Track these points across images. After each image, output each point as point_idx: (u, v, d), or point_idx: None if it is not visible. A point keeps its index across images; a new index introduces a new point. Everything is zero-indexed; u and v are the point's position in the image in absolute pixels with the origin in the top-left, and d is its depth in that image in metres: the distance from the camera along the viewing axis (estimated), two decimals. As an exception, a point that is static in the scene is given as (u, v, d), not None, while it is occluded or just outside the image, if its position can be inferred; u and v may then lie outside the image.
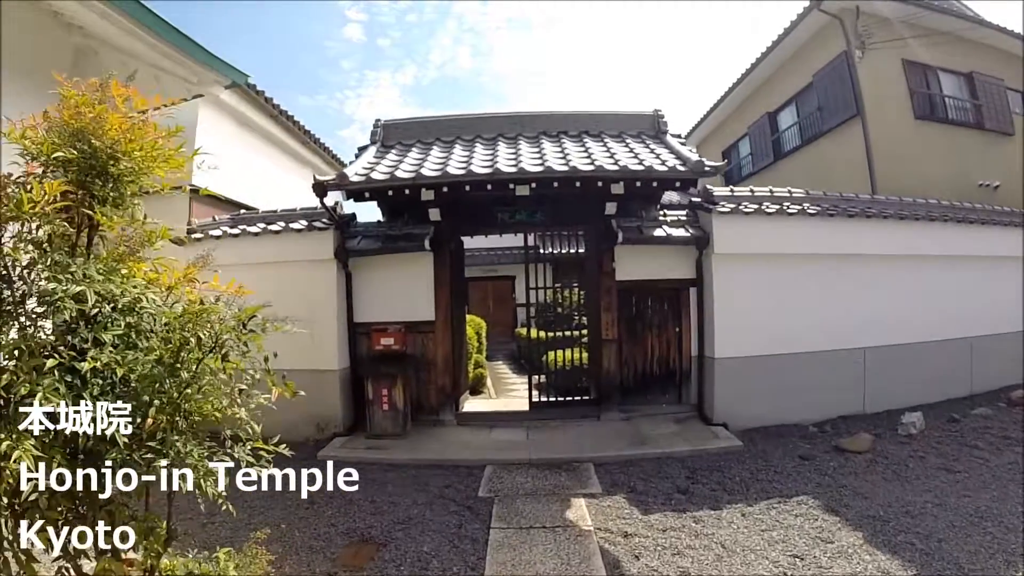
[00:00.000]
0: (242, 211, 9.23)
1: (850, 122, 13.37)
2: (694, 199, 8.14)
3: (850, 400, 8.13)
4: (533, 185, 6.24)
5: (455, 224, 7.36)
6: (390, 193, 6.50)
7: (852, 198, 8.73)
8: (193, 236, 8.48)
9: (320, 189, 6.68)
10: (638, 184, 6.46)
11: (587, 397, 7.78)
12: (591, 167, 6.23)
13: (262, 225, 7.98)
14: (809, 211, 7.97)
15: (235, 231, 8.09)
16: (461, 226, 7.45)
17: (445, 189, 6.26)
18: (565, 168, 6.15)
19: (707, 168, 6.73)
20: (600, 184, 6.36)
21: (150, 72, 8.96)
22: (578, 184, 6.29)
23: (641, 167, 6.40)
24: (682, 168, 6.58)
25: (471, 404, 8.39)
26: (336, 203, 8.02)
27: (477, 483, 6.01)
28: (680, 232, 7.52)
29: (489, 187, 6.22)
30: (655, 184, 6.55)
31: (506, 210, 7.17)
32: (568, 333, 8.57)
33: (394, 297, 7.67)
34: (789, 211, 7.87)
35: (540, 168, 6.21)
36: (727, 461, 6.66)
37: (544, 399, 7.61)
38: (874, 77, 13.10)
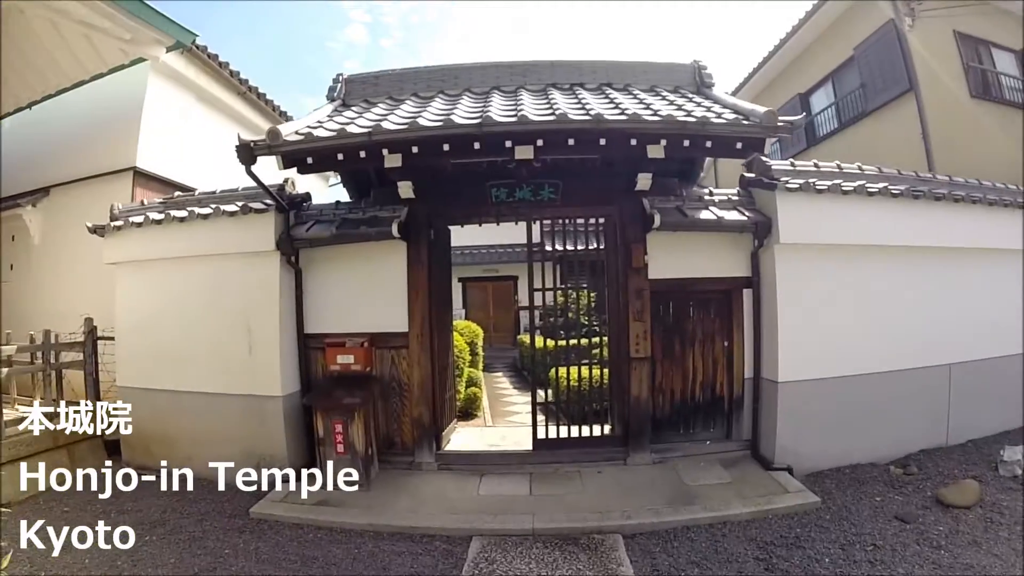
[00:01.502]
0: (177, 193, 7.16)
1: (901, 99, 11.39)
2: (746, 175, 6.04)
3: (931, 430, 6.20)
4: (540, 143, 4.16)
5: (435, 205, 5.30)
6: (340, 157, 4.43)
7: (929, 179, 6.62)
8: (113, 224, 6.42)
9: (246, 153, 4.65)
10: (686, 144, 4.39)
11: (609, 432, 5.66)
12: (621, 117, 4.11)
13: (192, 209, 5.90)
14: (893, 191, 5.84)
15: (158, 216, 6.01)
16: (443, 208, 5.39)
17: (415, 150, 4.20)
18: (585, 116, 4.04)
19: (780, 124, 4.61)
20: (634, 142, 4.30)
21: (78, 31, 7.02)
22: (603, 142, 4.23)
23: (692, 119, 4.28)
24: (747, 123, 4.45)
25: (459, 436, 6.29)
26: (288, 180, 5.97)
27: (458, 569, 3.98)
28: (734, 216, 5.42)
29: (477, 146, 4.16)
30: (709, 145, 4.49)
31: (503, 185, 5.10)
32: (582, 342, 6.49)
33: (356, 301, 5.64)
34: (870, 190, 5.73)
35: (549, 116, 4.10)
36: (805, 528, 4.69)
37: (552, 435, 5.53)
38: (926, 49, 11.05)
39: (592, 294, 8.13)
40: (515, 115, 4.23)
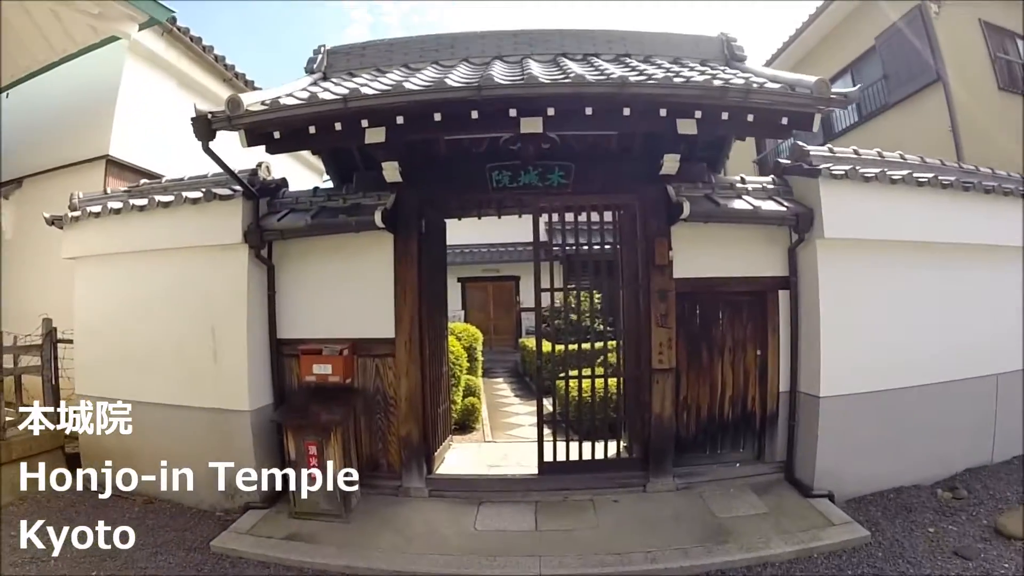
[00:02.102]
0: (143, 181, 6.37)
1: (927, 90, 10.63)
2: (781, 161, 5.25)
3: (976, 446, 5.51)
4: (551, 113, 3.33)
5: (427, 191, 4.52)
6: (312, 131, 3.62)
7: (972, 170, 5.81)
8: (71, 215, 5.63)
9: (202, 127, 3.87)
10: (724, 117, 3.59)
11: (626, 453, 4.86)
12: (650, 81, 3.30)
13: (153, 197, 5.11)
14: (943, 181, 5.05)
15: (116, 206, 5.21)
16: (436, 195, 4.59)
17: (400, 120, 3.41)
18: (605, 79, 3.22)
19: (833, 96, 3.82)
20: (663, 113, 3.50)
21: (44, 7, 6.28)
22: (627, 112, 3.44)
23: (734, 85, 3.48)
24: (796, 93, 3.65)
25: (455, 455, 5.48)
26: (261, 165, 5.19)
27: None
28: (771, 206, 4.63)
29: (475, 115, 3.34)
30: (751, 119, 3.69)
31: (505, 168, 4.30)
32: (595, 346, 5.68)
33: (336, 303, 4.85)
34: (920, 179, 4.94)
35: (562, 79, 3.29)
36: (857, 569, 3.97)
37: (561, 456, 4.70)
38: (953, 39, 10.30)
39: (599, 296, 7.37)
40: (521, 78, 3.41)
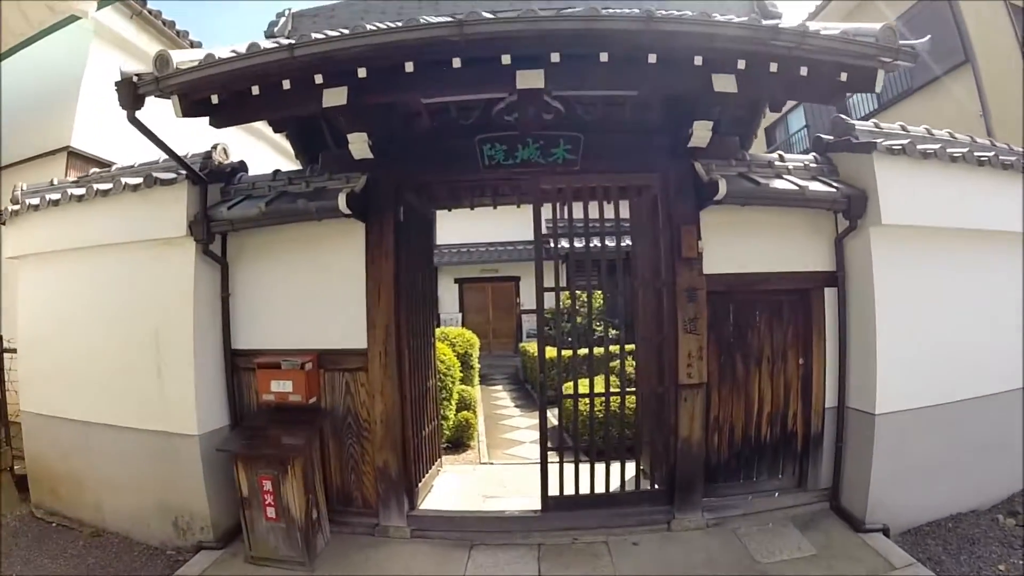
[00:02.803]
0: (93, 170, 5.55)
1: (953, 73, 9.77)
2: (824, 136, 4.43)
3: None
4: (554, 59, 2.50)
5: (404, 171, 3.70)
6: (256, 92, 2.78)
7: (1019, 151, 4.97)
8: (11, 209, 4.83)
9: (128, 93, 3.03)
10: (773, 68, 2.77)
11: (646, 483, 4.01)
12: (684, 18, 2.46)
13: (93, 184, 4.33)
14: (1004, 160, 4.27)
15: (55, 196, 4.41)
16: (416, 175, 3.75)
17: (363, 73, 2.59)
18: (626, 13, 2.38)
19: (902, 46, 3.00)
20: (699, 62, 2.67)
21: None
22: (652, 59, 2.61)
23: (788, 26, 2.65)
24: (855, 41, 2.82)
25: (444, 482, 4.64)
26: (217, 147, 4.38)
27: None
28: (818, 187, 3.80)
29: (458, 63, 2.52)
30: (804, 71, 2.87)
31: (499, 141, 3.45)
32: (608, 350, 4.83)
33: (299, 307, 4.04)
34: (980, 158, 4.14)
35: (570, 11, 2.45)
36: None
37: (569, 489, 3.87)
38: (979, 19, 9.50)
39: (607, 296, 6.53)
40: (515, 13, 2.57)
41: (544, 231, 3.92)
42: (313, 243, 3.96)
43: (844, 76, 3.23)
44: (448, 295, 13.61)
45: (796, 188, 3.75)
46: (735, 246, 3.93)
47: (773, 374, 4.14)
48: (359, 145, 3.31)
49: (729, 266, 3.87)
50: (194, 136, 4.52)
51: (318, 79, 2.84)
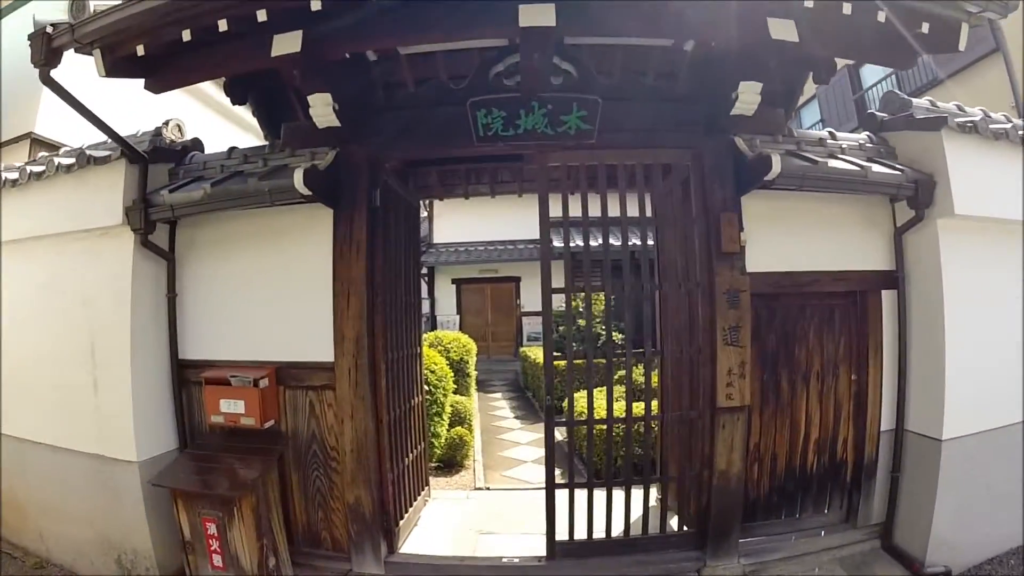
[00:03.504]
0: (42, 154, 4.85)
1: (983, 63, 9.13)
2: (878, 113, 3.76)
3: None
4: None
5: (383, 145, 2.98)
6: (187, 38, 2.07)
7: None
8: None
9: (42, 47, 2.36)
10: (846, 9, 2.05)
11: (674, 521, 3.31)
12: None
13: (28, 168, 3.67)
14: None
15: (-16, 180, 3.73)
16: (396, 151, 3.06)
17: (318, 6, 1.81)
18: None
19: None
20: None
21: None
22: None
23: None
24: None
25: (431, 514, 3.95)
26: (169, 123, 3.71)
27: None
28: (881, 169, 3.10)
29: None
30: (880, 19, 2.12)
31: (497, 105, 2.75)
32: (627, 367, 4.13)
33: (255, 311, 3.30)
34: None
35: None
36: None
37: (580, 532, 3.13)
38: (1009, 6, 8.61)
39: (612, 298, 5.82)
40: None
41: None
42: (274, 235, 3.27)
43: (926, 27, 2.55)
44: (445, 297, 12.91)
45: (858, 169, 3.05)
46: (780, 240, 3.23)
47: (822, 393, 3.44)
48: (322, 110, 2.62)
49: (774, 264, 3.17)
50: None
51: (261, 16, 2.15)
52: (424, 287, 12.95)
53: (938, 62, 9.46)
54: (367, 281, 2.89)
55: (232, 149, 3.43)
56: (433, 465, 4.94)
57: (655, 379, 3.31)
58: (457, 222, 12.72)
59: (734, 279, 2.90)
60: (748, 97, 2.70)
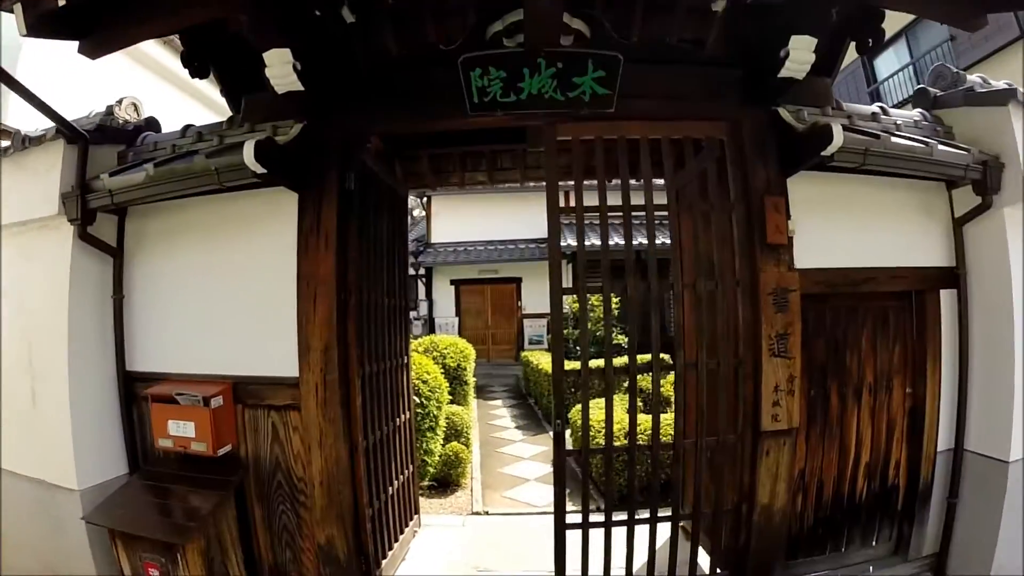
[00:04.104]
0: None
1: (1006, 51, 8.66)
2: (930, 89, 3.26)
3: None
4: None
5: (357, 118, 2.44)
6: None
7: None
8: None
9: None
10: None
11: (704, 562, 2.76)
12: None
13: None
14: None
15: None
16: (375, 123, 2.51)
17: None
18: None
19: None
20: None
21: None
22: None
23: None
24: None
25: (421, 546, 3.45)
26: (123, 102, 3.27)
27: None
28: (946, 149, 2.57)
29: None
30: None
31: (493, 64, 2.20)
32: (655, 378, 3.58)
33: (211, 316, 2.75)
34: None
35: None
36: None
37: (596, 570, 2.55)
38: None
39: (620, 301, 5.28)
40: None
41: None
42: (233, 226, 2.75)
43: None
44: (444, 298, 12.39)
45: (923, 147, 2.55)
46: (831, 231, 2.71)
47: (875, 409, 2.93)
48: (280, 70, 2.12)
49: (823, 259, 2.65)
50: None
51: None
52: (422, 289, 12.43)
53: (957, 52, 8.96)
54: (338, 279, 2.38)
55: (187, 127, 2.92)
56: (426, 484, 4.42)
57: (680, 395, 2.79)
58: (456, 221, 12.21)
59: (781, 276, 2.39)
60: (801, 55, 2.19)
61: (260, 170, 2.11)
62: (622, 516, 2.61)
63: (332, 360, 2.34)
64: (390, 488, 2.92)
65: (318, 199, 2.40)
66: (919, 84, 8.90)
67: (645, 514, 2.52)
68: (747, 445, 2.47)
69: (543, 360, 8.00)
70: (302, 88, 2.20)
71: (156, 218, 2.96)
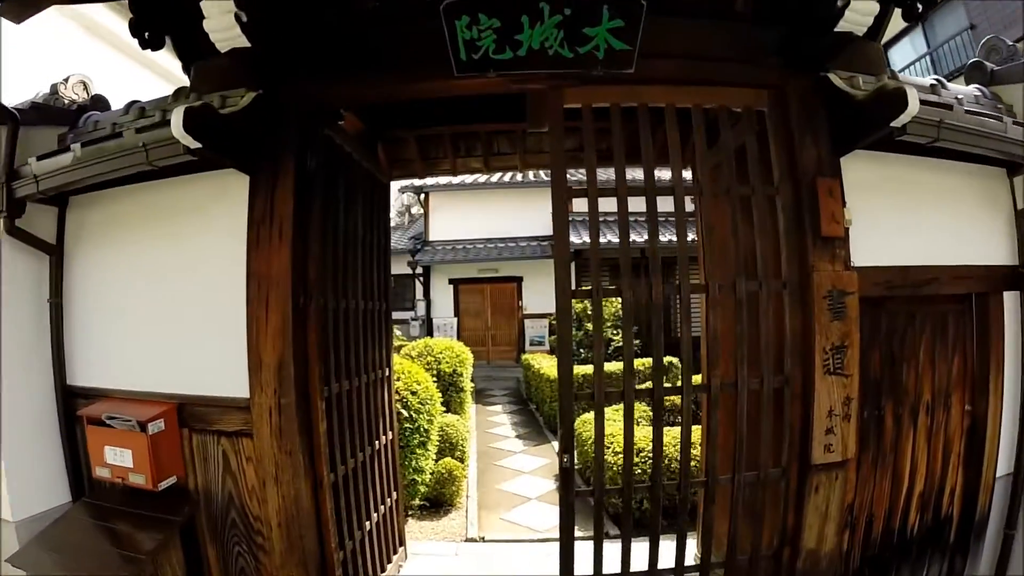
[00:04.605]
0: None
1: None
2: (986, 62, 2.80)
3: None
4: None
5: (322, 82, 1.98)
6: None
7: None
8: None
9: None
10: None
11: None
12: None
13: None
14: None
15: None
16: (342, 89, 2.05)
17: None
18: None
19: None
20: None
21: None
22: None
23: None
24: None
25: (412, 572, 2.95)
26: (70, 80, 2.83)
27: None
28: (1020, 130, 2.10)
29: None
30: None
31: (486, 10, 1.74)
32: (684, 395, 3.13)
33: (156, 324, 2.29)
34: None
35: None
36: None
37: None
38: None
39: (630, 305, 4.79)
40: None
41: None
42: (183, 217, 2.32)
43: None
44: (442, 298, 11.95)
45: (998, 123, 2.12)
46: (891, 222, 2.26)
47: (931, 431, 2.50)
48: (219, 22, 1.69)
49: (883, 255, 2.21)
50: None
51: None
52: (419, 288, 12.01)
53: (977, 41, 8.50)
54: (295, 278, 1.95)
55: (131, 104, 2.49)
56: (416, 504, 4.00)
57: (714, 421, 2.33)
58: (454, 217, 11.77)
59: (838, 276, 1.95)
60: (864, 5, 1.75)
61: (194, 144, 1.68)
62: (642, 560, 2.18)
63: (288, 379, 1.91)
64: (368, 523, 2.49)
65: (271, 181, 1.97)
66: (934, 74, 8.41)
67: (669, 562, 2.08)
68: (792, 480, 2.03)
69: (545, 364, 7.58)
70: (249, 45, 1.77)
71: (98, 209, 2.54)
